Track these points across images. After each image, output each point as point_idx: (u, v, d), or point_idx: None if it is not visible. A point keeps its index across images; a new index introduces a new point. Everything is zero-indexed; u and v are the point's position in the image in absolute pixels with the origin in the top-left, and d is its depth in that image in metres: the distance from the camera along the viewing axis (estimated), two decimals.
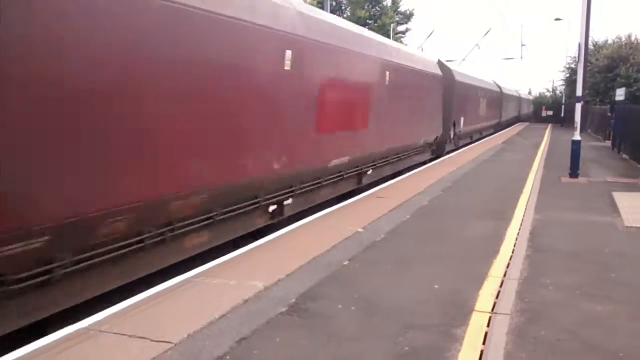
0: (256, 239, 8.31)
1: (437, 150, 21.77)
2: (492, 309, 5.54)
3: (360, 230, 8.77)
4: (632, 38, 39.15)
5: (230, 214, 7.97)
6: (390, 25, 44.68)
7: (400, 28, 52.30)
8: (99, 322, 4.99)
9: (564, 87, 57.24)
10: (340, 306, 5.55)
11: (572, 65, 44.93)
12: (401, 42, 44.99)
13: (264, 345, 4.65)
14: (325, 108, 10.79)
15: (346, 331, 4.98)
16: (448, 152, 23.05)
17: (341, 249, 7.69)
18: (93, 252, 5.62)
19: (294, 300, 5.66)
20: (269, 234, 8.57)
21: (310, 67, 10.06)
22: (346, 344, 4.73)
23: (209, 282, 6.17)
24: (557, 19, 43.09)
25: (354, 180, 13.45)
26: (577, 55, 17.81)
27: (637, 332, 5.09)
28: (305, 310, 5.43)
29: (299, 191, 10.15)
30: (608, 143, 28.83)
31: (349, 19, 44.36)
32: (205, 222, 7.40)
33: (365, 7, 48.31)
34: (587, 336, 4.96)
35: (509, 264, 7.09)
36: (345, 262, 7.05)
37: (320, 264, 6.94)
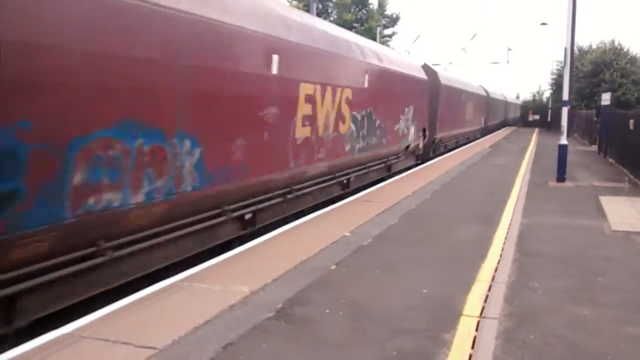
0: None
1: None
2: (481, 313, 5.51)
3: (347, 234, 8.72)
4: (616, 43, 39.54)
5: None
6: (376, 29, 44.78)
7: (387, 32, 52.49)
8: (82, 328, 4.90)
9: (550, 91, 57.66)
10: (327, 311, 5.49)
11: (559, 69, 45.28)
12: (388, 45, 45.11)
13: (251, 351, 4.58)
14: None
15: (334, 336, 4.92)
16: (434, 157, 22.98)
17: (328, 253, 7.63)
18: None
19: (280, 305, 5.59)
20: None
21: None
22: (334, 350, 4.67)
23: (195, 287, 6.09)
24: (543, 24, 43.54)
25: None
26: (563, 60, 17.93)
27: (625, 336, 5.08)
28: (293, 315, 5.37)
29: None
30: (594, 147, 29.03)
31: (335, 21, 44.45)
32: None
33: (352, 10, 48.43)
34: (575, 340, 4.95)
35: (497, 268, 7.07)
36: (333, 267, 6.99)
37: (307, 268, 6.88)
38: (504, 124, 57.65)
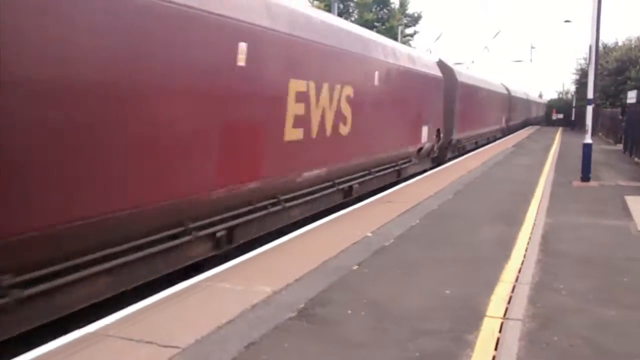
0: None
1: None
2: (504, 315, 5.46)
3: (369, 234, 8.71)
4: None
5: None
6: (398, 28, 44.63)
7: (409, 31, 52.31)
8: (106, 327, 4.96)
9: (574, 89, 56.95)
10: (349, 311, 5.49)
11: (583, 67, 44.68)
12: (409, 44, 44.95)
13: (273, 350, 4.60)
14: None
15: (355, 337, 4.92)
16: (452, 158, 21.96)
17: (350, 253, 7.63)
18: None
19: (302, 305, 5.60)
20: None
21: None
22: (355, 350, 4.67)
23: (217, 287, 6.13)
24: (567, 21, 43.14)
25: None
26: (587, 58, 17.69)
27: None
28: (315, 315, 5.37)
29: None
30: (619, 146, 28.60)
31: (356, 21, 44.42)
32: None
33: (373, 9, 48.34)
34: (600, 342, 4.88)
35: (520, 269, 7.00)
36: (354, 267, 6.98)
37: (329, 268, 6.89)
38: (526, 124, 56.08)
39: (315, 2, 41.53)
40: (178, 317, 5.28)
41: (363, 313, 5.46)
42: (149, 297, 5.75)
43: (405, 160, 16.37)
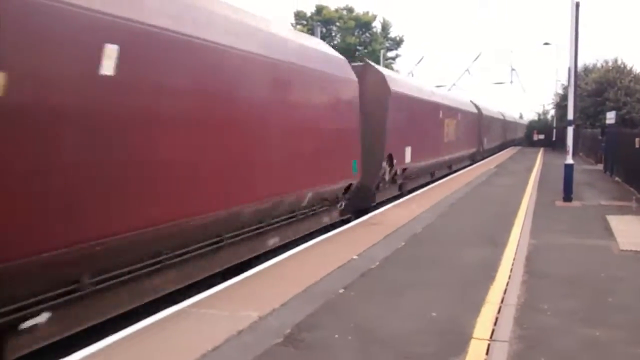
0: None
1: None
2: (491, 336, 5.47)
3: (355, 257, 8.70)
4: (619, 62, 39.70)
5: None
6: (380, 52, 45.12)
7: (391, 54, 52.93)
8: (90, 356, 4.89)
9: (554, 110, 57.75)
10: (336, 336, 5.47)
11: (562, 90, 45.41)
12: (392, 68, 45.42)
13: None
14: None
15: None
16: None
17: (336, 277, 7.61)
18: None
19: (289, 330, 5.57)
20: None
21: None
22: None
23: (203, 313, 6.08)
24: (546, 44, 43.90)
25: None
26: (567, 79, 18.00)
27: (637, 357, 5.03)
28: (301, 340, 5.34)
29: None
30: (600, 166, 28.97)
31: (339, 45, 44.87)
32: None
33: (356, 33, 48.92)
34: None
35: (506, 290, 7.03)
36: (341, 291, 6.97)
37: (315, 292, 6.86)
38: (504, 146, 51.00)
39: (298, 27, 41.92)
40: (164, 344, 5.22)
41: (350, 337, 5.44)
42: (135, 324, 5.68)
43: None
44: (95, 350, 5.01)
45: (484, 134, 36.68)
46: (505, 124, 53.65)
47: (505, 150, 49.46)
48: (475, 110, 33.47)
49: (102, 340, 5.24)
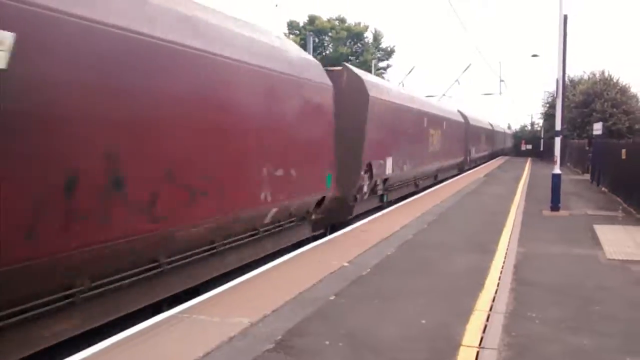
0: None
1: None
2: (480, 344, 5.52)
3: (345, 264, 8.74)
4: (606, 74, 40.13)
5: None
6: (372, 62, 45.37)
7: (382, 64, 53.26)
8: None
9: (542, 121, 58.27)
10: (327, 342, 5.49)
11: (550, 100, 45.83)
12: (383, 77, 45.66)
13: None
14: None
15: None
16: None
17: (327, 283, 7.65)
18: None
19: (280, 336, 5.59)
20: None
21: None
22: None
23: (194, 319, 6.08)
24: (534, 56, 44.22)
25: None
26: (555, 91, 18.21)
27: None
28: (292, 347, 5.37)
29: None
30: (587, 176, 29.25)
31: (331, 55, 45.09)
32: None
33: (347, 43, 49.19)
34: None
35: (494, 298, 7.10)
36: (332, 297, 7.00)
37: (306, 299, 6.89)
38: (491, 156, 51.12)
39: (291, 36, 42.07)
40: (154, 350, 5.22)
41: (341, 344, 5.47)
42: (125, 330, 5.68)
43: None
44: (85, 356, 5.00)
45: (472, 144, 36.20)
46: (494, 134, 53.93)
47: (493, 160, 49.84)
48: (462, 120, 32.93)
49: (92, 347, 5.23)
